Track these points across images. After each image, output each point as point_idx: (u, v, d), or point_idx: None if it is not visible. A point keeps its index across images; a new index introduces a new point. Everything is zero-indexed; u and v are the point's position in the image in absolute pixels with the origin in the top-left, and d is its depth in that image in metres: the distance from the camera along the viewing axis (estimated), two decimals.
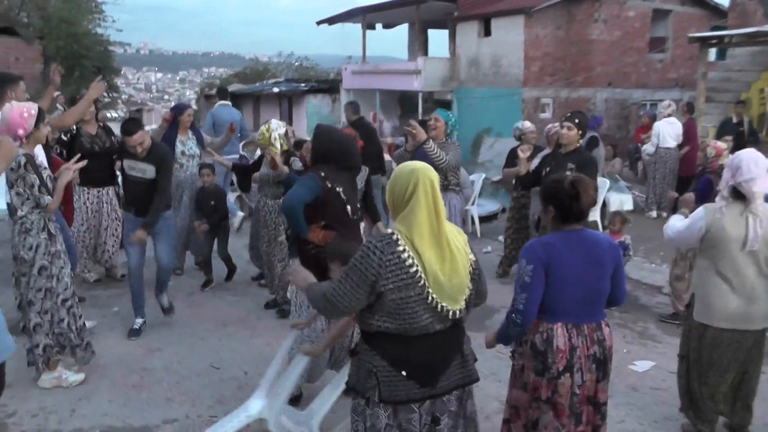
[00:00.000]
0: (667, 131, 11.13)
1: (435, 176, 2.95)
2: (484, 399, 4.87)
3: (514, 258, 8.09)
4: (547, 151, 7.86)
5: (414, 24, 23.67)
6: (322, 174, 4.58)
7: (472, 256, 3.01)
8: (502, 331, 3.59)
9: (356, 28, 25.43)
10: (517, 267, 3.55)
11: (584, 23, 18.76)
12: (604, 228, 8.92)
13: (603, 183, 9.66)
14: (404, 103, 24.97)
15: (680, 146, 11.37)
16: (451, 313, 2.89)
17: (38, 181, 4.73)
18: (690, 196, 5.94)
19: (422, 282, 2.80)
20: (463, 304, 2.94)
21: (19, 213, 4.82)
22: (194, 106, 41.84)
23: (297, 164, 6.33)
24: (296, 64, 43.93)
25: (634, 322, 7.11)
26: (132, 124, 6.01)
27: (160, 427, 4.56)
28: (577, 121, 6.41)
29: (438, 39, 25.36)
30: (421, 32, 25.24)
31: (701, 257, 4.44)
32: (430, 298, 2.82)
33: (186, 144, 7.75)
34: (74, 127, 6.93)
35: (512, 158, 8.77)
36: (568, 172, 5.20)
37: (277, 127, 6.38)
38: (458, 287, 2.90)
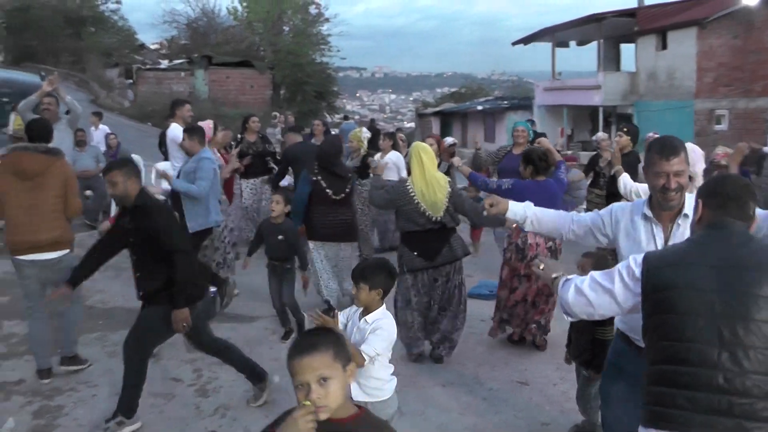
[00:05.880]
0: None
1: (424, 149, 5.57)
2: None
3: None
4: None
5: (605, 39, 25.26)
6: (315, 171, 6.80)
7: (448, 188, 5.47)
8: (485, 186, 6.25)
9: (554, 47, 27.54)
10: (497, 180, 6.43)
11: (763, 30, 19.50)
12: None
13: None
14: (595, 118, 26.57)
15: None
16: (434, 217, 5.41)
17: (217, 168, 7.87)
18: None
19: (416, 200, 5.42)
20: (441, 213, 5.41)
21: None
22: (412, 125, 46.00)
23: (373, 163, 9.14)
24: (509, 80, 46.67)
25: None
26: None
27: None
28: (626, 129, 8.41)
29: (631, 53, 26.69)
30: (614, 47, 26.81)
31: None
32: (421, 208, 5.40)
33: None
34: (239, 136, 10.05)
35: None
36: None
37: (366, 133, 9.60)
38: (436, 204, 5.41)
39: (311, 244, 6.83)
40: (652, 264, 2.51)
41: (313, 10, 40.17)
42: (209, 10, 40.30)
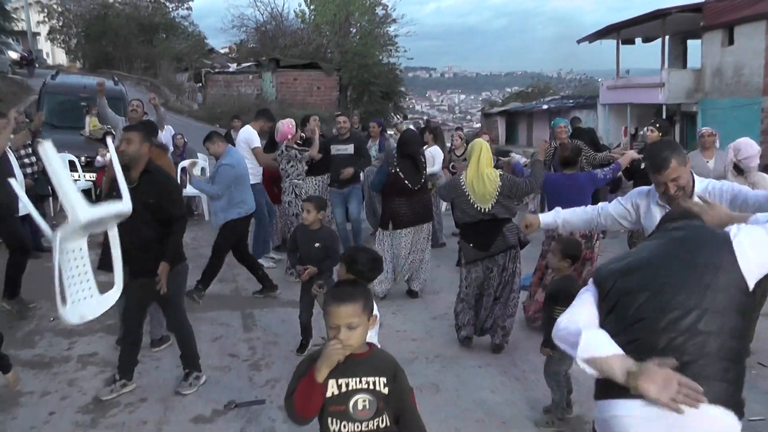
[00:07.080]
0: None
1: (484, 146, 6.10)
2: None
3: None
4: None
5: (671, 36, 25.00)
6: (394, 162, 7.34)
7: (499, 182, 5.75)
8: (523, 174, 6.32)
9: (619, 44, 27.35)
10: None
11: None
12: None
13: None
14: (660, 117, 26.26)
15: None
16: (482, 209, 5.74)
17: (299, 153, 8.60)
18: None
19: (467, 193, 5.79)
20: (490, 205, 5.73)
21: (284, 180, 8.55)
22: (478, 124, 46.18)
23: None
24: (577, 79, 46.46)
25: None
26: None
27: None
28: (658, 125, 8.72)
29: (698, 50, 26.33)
30: (681, 43, 26.50)
31: None
32: (472, 200, 5.77)
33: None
34: (302, 134, 10.45)
35: None
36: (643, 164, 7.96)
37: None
38: (485, 196, 5.74)
39: (381, 234, 7.41)
40: (602, 265, 2.74)
41: (380, 11, 40.91)
42: (278, 14, 41.40)
